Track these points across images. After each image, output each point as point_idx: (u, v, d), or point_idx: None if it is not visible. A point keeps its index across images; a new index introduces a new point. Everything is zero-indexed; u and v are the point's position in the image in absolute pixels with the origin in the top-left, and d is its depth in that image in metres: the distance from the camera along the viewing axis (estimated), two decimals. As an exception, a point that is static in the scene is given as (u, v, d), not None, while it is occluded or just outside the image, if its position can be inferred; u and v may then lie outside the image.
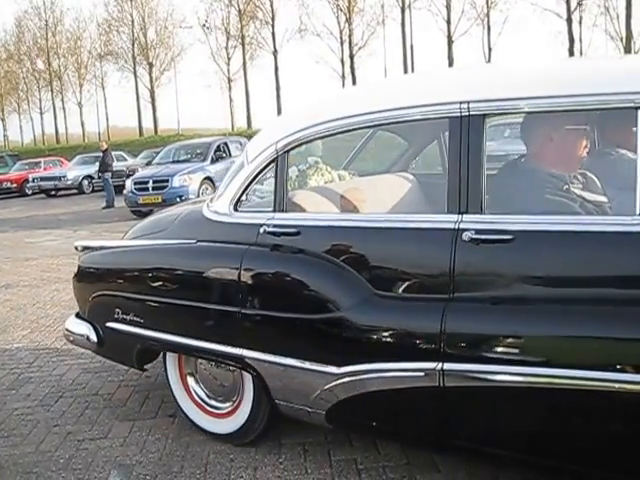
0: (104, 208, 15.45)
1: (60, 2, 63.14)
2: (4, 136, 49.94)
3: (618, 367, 1.75)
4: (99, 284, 3.18)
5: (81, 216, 14.31)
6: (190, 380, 3.00)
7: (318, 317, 2.30)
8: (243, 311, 2.49)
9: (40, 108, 48.39)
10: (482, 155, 2.05)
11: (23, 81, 47.74)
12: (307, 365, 2.33)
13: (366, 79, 37.81)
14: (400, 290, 2.19)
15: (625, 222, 1.82)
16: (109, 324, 3.03)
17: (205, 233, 2.75)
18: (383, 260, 2.26)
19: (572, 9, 31.34)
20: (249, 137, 20.19)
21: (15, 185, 23.75)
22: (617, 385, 1.74)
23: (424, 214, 2.28)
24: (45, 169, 24.23)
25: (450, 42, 34.59)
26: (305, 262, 2.38)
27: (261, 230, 2.52)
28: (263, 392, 2.57)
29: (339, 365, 2.23)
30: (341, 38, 37.07)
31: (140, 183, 13.08)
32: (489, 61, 33.89)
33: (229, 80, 40.49)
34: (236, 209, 2.69)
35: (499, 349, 1.94)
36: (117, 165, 18.80)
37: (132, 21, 42.85)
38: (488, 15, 34.47)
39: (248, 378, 2.65)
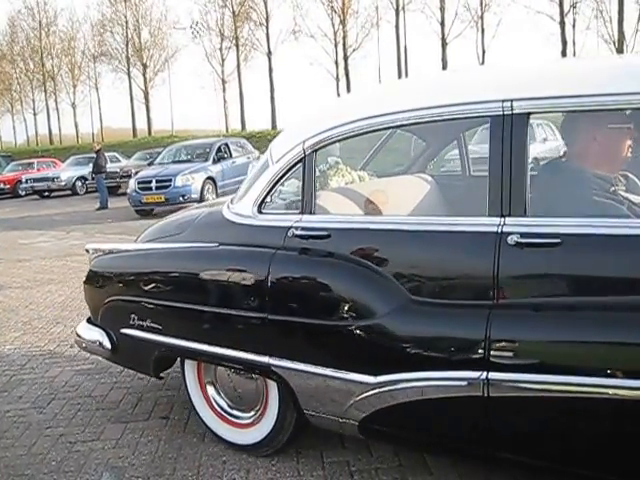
0: (98, 209, 15.44)
1: (54, 2, 63.32)
2: (-3, 137, 49.80)
3: None
4: (113, 289, 3.05)
5: (74, 217, 14.25)
6: (210, 389, 2.90)
7: (352, 324, 2.20)
8: (270, 317, 2.39)
9: (33, 109, 48.19)
10: (525, 155, 1.98)
11: (16, 81, 47.51)
12: (340, 374, 2.24)
13: (361, 81, 37.81)
14: (438, 296, 2.10)
15: None
16: (124, 330, 2.93)
17: (227, 236, 2.65)
18: (419, 264, 2.18)
19: (565, 12, 31.50)
20: (248, 138, 20.27)
21: (8, 186, 23.66)
22: None
23: (463, 217, 2.14)
24: (38, 170, 24.13)
25: (444, 44, 34.67)
26: (338, 266, 2.29)
27: (289, 233, 2.43)
28: (290, 401, 2.48)
29: (375, 374, 2.14)
30: (335, 40, 37.05)
31: (143, 183, 13.26)
32: (482, 63, 34.00)
33: (223, 81, 40.42)
34: (260, 211, 2.58)
35: (549, 357, 1.87)
36: (111, 166, 18.77)
37: (126, 22, 42.68)
38: (482, 17, 34.64)
39: (273, 387, 2.56)
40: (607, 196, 2.11)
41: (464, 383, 1.97)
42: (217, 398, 2.88)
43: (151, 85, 42.81)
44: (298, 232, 2.41)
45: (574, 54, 31.48)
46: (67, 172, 22.25)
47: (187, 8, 72.82)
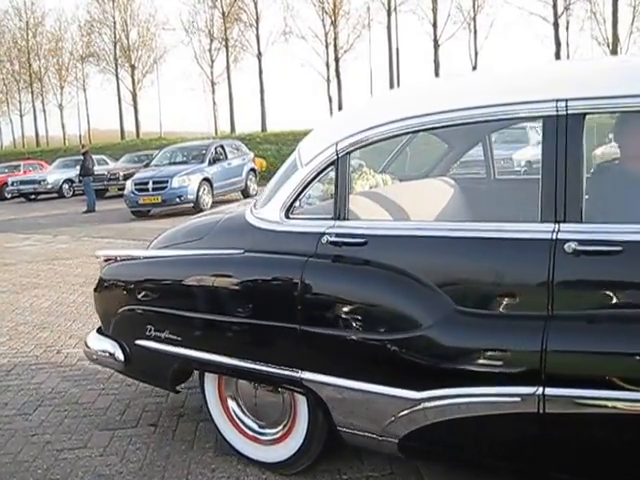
0: (85, 212, 15.41)
1: (42, 3, 62.80)
2: (-17, 139, 49.36)
3: None
4: (126, 298, 2.88)
5: (61, 220, 14.26)
6: (231, 403, 2.75)
7: (393, 336, 2.07)
8: (303, 328, 2.26)
9: (20, 110, 47.78)
10: (581, 158, 1.87)
11: (2, 82, 47.10)
12: (380, 389, 2.11)
13: (352, 83, 37.83)
14: (487, 306, 1.99)
15: None
16: (139, 342, 2.78)
17: (253, 242, 2.50)
18: (465, 273, 2.06)
19: (559, 13, 31.53)
20: (243, 140, 20.18)
21: (-6, 189, 23.48)
22: None
23: (513, 223, 2.01)
24: (25, 172, 24.02)
25: (436, 45, 34.57)
26: (377, 275, 2.16)
27: (322, 240, 2.29)
28: (321, 417, 2.36)
29: (419, 389, 2.02)
30: (326, 41, 36.90)
31: (140, 184, 13.44)
32: (475, 65, 34.13)
33: (212, 83, 40.24)
34: (288, 216, 2.44)
35: (609, 372, 1.76)
36: (98, 169, 18.73)
37: (114, 22, 42.38)
38: (474, 19, 34.59)
39: (302, 402, 2.43)
40: None
41: (517, 399, 1.86)
42: (239, 413, 2.74)
43: (139, 87, 42.55)
44: (332, 239, 2.28)
45: (568, 56, 31.48)
46: (54, 174, 22.17)
47: (176, 9, 72.31)
